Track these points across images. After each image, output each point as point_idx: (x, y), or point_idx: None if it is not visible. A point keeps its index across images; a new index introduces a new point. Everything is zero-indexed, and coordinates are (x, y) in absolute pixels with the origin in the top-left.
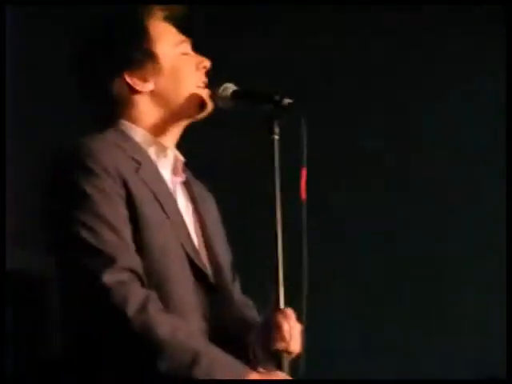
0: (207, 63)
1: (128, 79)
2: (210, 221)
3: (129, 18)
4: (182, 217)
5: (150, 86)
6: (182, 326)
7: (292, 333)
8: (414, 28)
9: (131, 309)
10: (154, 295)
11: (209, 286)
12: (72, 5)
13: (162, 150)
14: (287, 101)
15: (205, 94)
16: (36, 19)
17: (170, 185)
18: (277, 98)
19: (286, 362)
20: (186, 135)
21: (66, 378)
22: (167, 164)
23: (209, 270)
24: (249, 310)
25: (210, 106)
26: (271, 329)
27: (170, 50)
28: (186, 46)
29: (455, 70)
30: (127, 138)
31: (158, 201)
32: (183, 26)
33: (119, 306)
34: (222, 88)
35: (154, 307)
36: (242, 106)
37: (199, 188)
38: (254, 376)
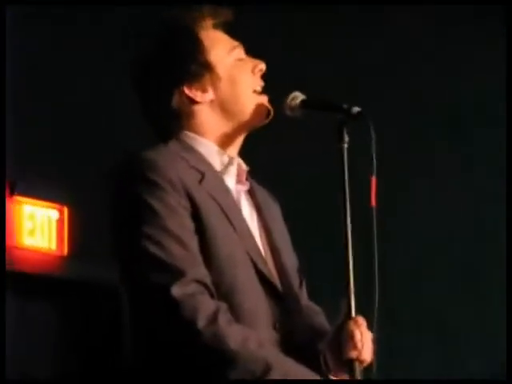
0: (263, 66)
1: (187, 91)
2: (275, 228)
3: (181, 31)
4: (247, 226)
5: (209, 96)
6: (253, 336)
7: (364, 341)
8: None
9: (201, 321)
10: (223, 306)
11: (276, 295)
12: (72, 5)
13: (226, 159)
14: (356, 109)
15: (264, 99)
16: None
17: (234, 194)
18: (346, 106)
19: (358, 371)
20: (251, 142)
21: None
22: (232, 173)
23: (276, 279)
24: (317, 316)
25: (271, 112)
26: (343, 338)
27: (224, 58)
28: (240, 51)
29: None
30: (190, 149)
31: (223, 211)
32: (233, 31)
33: (190, 319)
34: (290, 97)
35: (224, 318)
36: (310, 114)
37: (264, 195)
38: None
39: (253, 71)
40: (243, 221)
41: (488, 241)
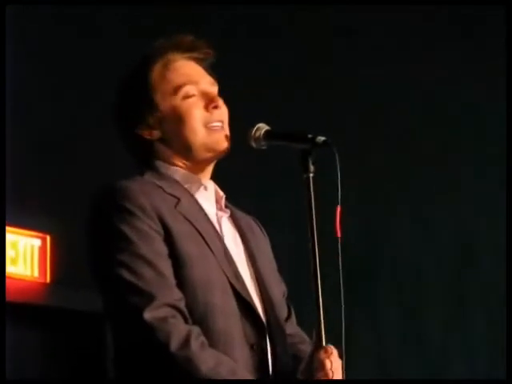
0: (218, 103)
1: (138, 131)
2: (260, 254)
3: (138, 72)
4: (226, 249)
5: (157, 134)
6: (225, 361)
7: (334, 370)
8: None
9: (174, 345)
10: (196, 330)
11: (255, 316)
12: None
13: (199, 184)
14: (322, 138)
15: (217, 134)
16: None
17: (213, 218)
18: (311, 136)
19: None
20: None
21: None
22: (209, 197)
23: (255, 301)
24: (303, 344)
25: (223, 146)
26: (314, 366)
27: (169, 97)
28: (191, 88)
29: None
30: (165, 176)
31: (200, 234)
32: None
33: (162, 343)
34: (254, 128)
35: (197, 343)
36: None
37: (248, 222)
38: None
39: (206, 108)
40: (221, 243)
41: (474, 265)
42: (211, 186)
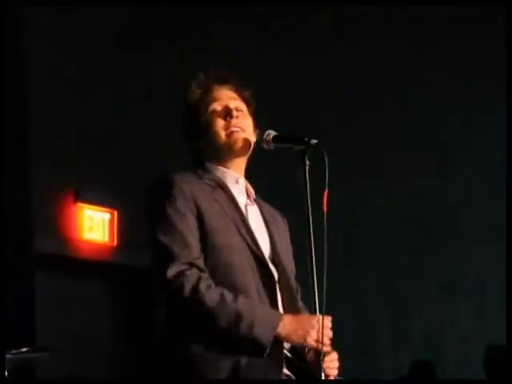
0: (233, 113)
1: (192, 143)
2: (278, 238)
3: (190, 106)
4: (247, 224)
5: (201, 144)
6: (228, 293)
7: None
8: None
9: (186, 291)
10: (205, 275)
11: (269, 274)
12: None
13: (232, 178)
14: (314, 141)
15: (235, 137)
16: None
17: (242, 205)
18: (306, 139)
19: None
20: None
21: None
22: (240, 190)
23: (267, 259)
24: (302, 308)
25: (239, 145)
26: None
27: (205, 116)
28: (217, 104)
29: None
30: (209, 172)
31: (226, 213)
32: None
33: (177, 292)
34: (265, 134)
35: (204, 285)
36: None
37: (271, 212)
38: (287, 318)
39: (224, 118)
40: (244, 220)
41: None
42: (242, 181)
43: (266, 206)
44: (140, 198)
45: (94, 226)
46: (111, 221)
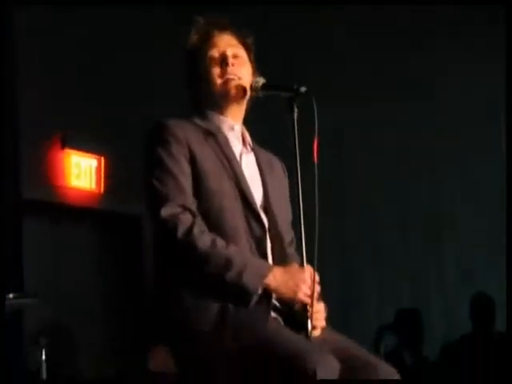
0: (229, 60)
1: (192, 88)
2: (272, 187)
3: (191, 53)
4: (239, 169)
5: (199, 91)
6: (220, 240)
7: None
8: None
9: (179, 233)
10: (198, 221)
11: (258, 219)
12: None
13: (227, 124)
14: (303, 88)
15: (229, 84)
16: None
17: (237, 152)
18: (295, 87)
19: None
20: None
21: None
22: (236, 136)
23: (259, 207)
24: (293, 258)
25: (234, 92)
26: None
27: (204, 62)
28: (215, 51)
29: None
30: (207, 118)
31: (218, 158)
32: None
33: (171, 232)
34: (254, 81)
35: (197, 229)
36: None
37: (268, 159)
38: (277, 271)
39: (220, 65)
40: (237, 165)
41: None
42: (239, 128)
43: (264, 154)
44: (127, 144)
45: (81, 172)
46: (98, 167)
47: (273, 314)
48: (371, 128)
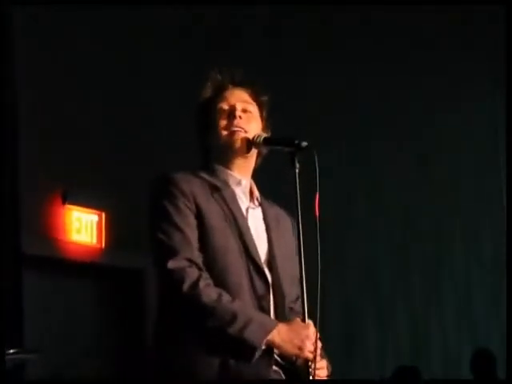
0: (236, 113)
1: (202, 141)
2: (278, 243)
3: (202, 106)
4: (246, 226)
5: (207, 144)
6: (226, 294)
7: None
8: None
9: (185, 286)
10: (205, 275)
11: (262, 276)
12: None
13: (236, 180)
14: (304, 143)
15: (235, 137)
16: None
17: (243, 207)
18: (296, 142)
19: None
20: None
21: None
22: (243, 191)
23: (263, 264)
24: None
25: (238, 145)
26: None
27: (213, 112)
28: (225, 104)
29: None
30: (212, 172)
31: (225, 214)
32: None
33: (177, 285)
34: (256, 135)
35: (203, 283)
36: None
37: (276, 215)
38: (282, 327)
39: (228, 117)
40: (243, 222)
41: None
42: (246, 182)
43: (273, 209)
44: (128, 199)
45: (81, 227)
46: (99, 222)
47: (274, 368)
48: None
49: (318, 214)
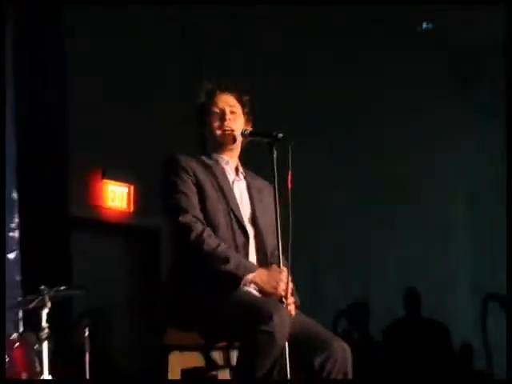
0: (226, 116)
1: (201, 133)
2: (259, 207)
3: (200, 105)
4: (231, 193)
5: (205, 135)
6: (223, 244)
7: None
8: None
9: (193, 235)
10: (208, 229)
11: (244, 232)
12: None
13: (225, 161)
14: (280, 135)
15: (223, 134)
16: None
17: (230, 180)
18: (274, 133)
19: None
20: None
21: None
22: (231, 168)
23: (246, 221)
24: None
25: (228, 142)
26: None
27: (207, 115)
28: (216, 108)
29: None
30: (208, 155)
31: (216, 184)
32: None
33: (187, 234)
34: (243, 130)
35: (207, 234)
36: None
37: (258, 185)
38: (262, 271)
39: (220, 118)
40: (230, 191)
41: None
42: (233, 161)
43: (256, 181)
44: (150, 176)
45: (115, 197)
46: (129, 193)
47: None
48: None
49: (290, 187)
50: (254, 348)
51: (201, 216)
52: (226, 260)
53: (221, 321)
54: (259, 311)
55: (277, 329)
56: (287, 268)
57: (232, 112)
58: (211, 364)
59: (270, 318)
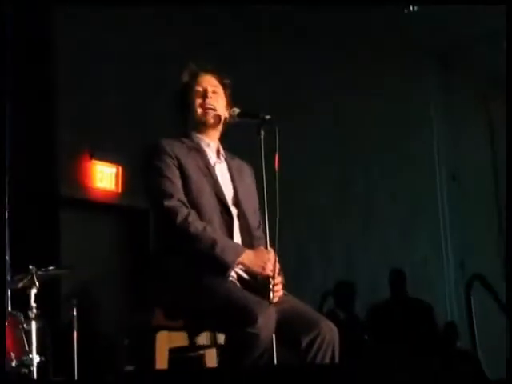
0: (208, 94)
1: (183, 114)
2: (241, 187)
3: (183, 87)
4: (214, 175)
5: (186, 116)
6: (209, 227)
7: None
8: None
9: (179, 219)
10: (193, 212)
11: (227, 213)
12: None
13: (206, 143)
14: (268, 116)
15: (205, 113)
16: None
17: (212, 162)
18: (262, 115)
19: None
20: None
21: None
22: (212, 151)
23: (229, 202)
24: (260, 241)
25: (210, 120)
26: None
27: (189, 94)
28: (199, 87)
29: None
30: (189, 138)
31: (198, 166)
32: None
33: (172, 218)
34: (231, 110)
35: (192, 218)
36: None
37: (239, 166)
38: (249, 252)
39: (201, 96)
40: (211, 172)
41: None
42: (214, 144)
43: (236, 162)
44: (138, 157)
45: (103, 177)
46: (117, 174)
47: (237, 284)
48: None
49: (277, 168)
50: (239, 348)
51: (185, 200)
52: (214, 242)
53: (206, 314)
54: (244, 313)
55: (262, 330)
56: (274, 248)
57: (214, 92)
58: (198, 343)
59: (256, 320)
